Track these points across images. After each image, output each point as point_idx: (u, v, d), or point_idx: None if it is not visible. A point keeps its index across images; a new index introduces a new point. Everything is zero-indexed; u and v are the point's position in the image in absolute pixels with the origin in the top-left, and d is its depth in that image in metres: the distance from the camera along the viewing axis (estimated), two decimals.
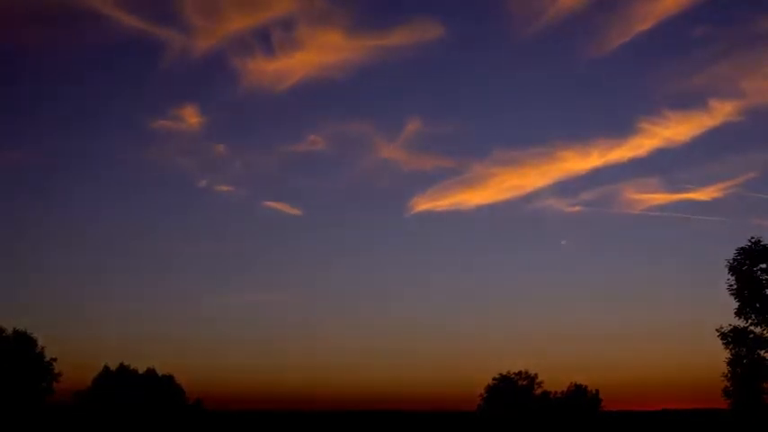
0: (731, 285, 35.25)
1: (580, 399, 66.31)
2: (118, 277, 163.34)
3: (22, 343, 54.08)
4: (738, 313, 34.91)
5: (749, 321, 34.71)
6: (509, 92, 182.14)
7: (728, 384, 35.16)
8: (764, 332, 34.46)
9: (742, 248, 35.33)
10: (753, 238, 35.25)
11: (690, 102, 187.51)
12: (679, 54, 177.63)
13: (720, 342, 35.34)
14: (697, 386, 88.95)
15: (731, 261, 35.44)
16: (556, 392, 66.69)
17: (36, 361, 54.33)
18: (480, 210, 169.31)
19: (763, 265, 34.77)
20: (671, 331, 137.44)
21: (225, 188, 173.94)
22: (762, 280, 34.68)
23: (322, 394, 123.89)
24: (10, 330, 54.19)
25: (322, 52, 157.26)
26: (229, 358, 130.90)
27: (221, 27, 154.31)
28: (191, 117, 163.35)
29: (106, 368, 64.47)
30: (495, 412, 64.49)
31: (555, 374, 76.77)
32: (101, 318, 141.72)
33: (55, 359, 55.54)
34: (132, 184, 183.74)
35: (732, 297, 35.36)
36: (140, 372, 65.93)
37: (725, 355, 35.36)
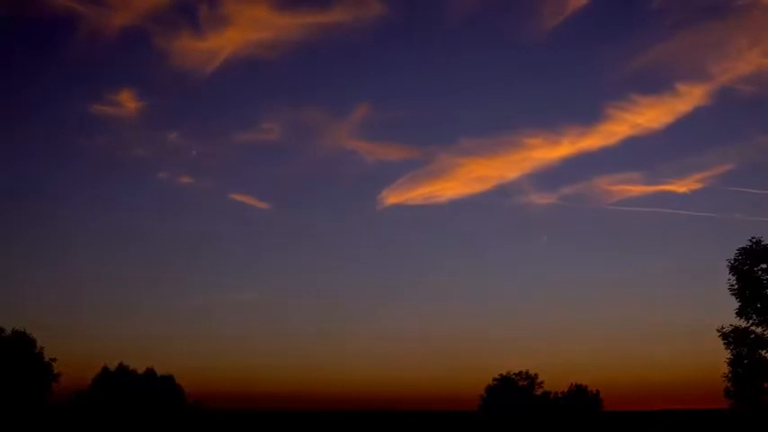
0: (732, 285, 35.21)
1: (580, 399, 66.22)
2: (116, 276, 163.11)
3: (21, 343, 53.96)
4: (739, 313, 34.87)
5: (750, 321, 34.68)
6: (460, 75, 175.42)
7: (729, 385, 35.11)
8: (765, 332, 34.40)
9: (743, 248, 35.28)
10: (753, 237, 35.25)
11: (657, 86, 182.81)
12: (632, 33, 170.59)
13: (721, 342, 35.34)
14: (698, 386, 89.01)
15: (732, 261, 35.40)
16: (556, 393, 66.67)
17: (35, 361, 54.19)
18: (455, 203, 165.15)
19: (764, 265, 34.70)
20: (671, 331, 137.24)
21: (187, 180, 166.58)
22: (763, 280, 34.60)
23: (321, 394, 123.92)
24: (9, 330, 54.16)
25: (253, 30, 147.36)
26: (217, 357, 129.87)
27: (138, 1, 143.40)
28: (128, 102, 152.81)
29: (106, 368, 64.38)
30: (495, 413, 64.40)
31: (555, 374, 76.77)
32: (101, 318, 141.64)
33: (55, 359, 55.41)
34: (91, 176, 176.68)
35: (733, 297, 35.34)
36: (140, 372, 65.86)
37: (726, 355, 35.36)
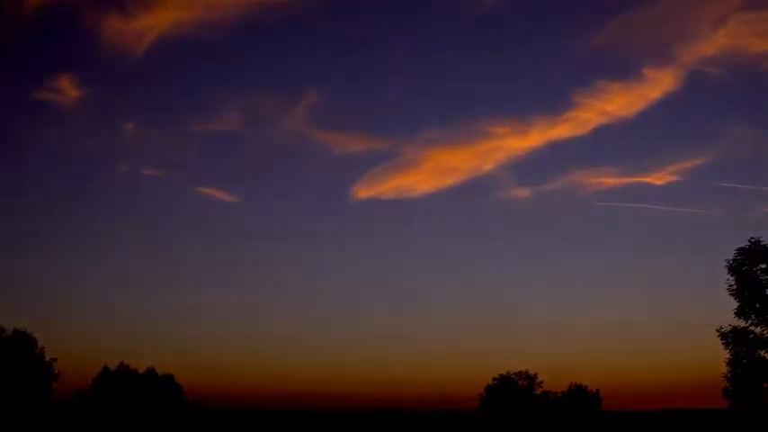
0: (731, 286, 35.26)
1: (580, 399, 66.26)
2: (119, 276, 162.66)
3: (22, 343, 54.03)
4: (738, 313, 34.92)
5: (749, 321, 34.73)
6: (416, 60, 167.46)
7: (728, 384, 35.16)
8: (764, 332, 34.46)
9: (741, 248, 35.35)
10: (752, 238, 35.33)
11: (623, 72, 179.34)
12: (588, 10, 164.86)
13: (720, 342, 35.39)
14: (697, 386, 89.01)
15: (731, 261, 35.46)
16: (556, 392, 66.72)
17: (36, 361, 54.28)
18: (431, 197, 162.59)
19: (763, 266, 34.77)
20: (671, 331, 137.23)
21: (150, 172, 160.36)
22: (762, 280, 34.68)
23: (321, 393, 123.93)
24: (10, 330, 54.23)
25: (186, 9, 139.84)
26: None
27: None
28: (70, 89, 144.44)
29: (106, 368, 64.46)
30: (494, 412, 64.44)
31: (555, 374, 76.77)
32: (101, 318, 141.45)
33: (55, 359, 55.57)
34: (52, 170, 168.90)
35: (732, 297, 35.38)
36: (140, 372, 65.94)
37: (725, 355, 35.42)
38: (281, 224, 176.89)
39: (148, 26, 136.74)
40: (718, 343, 35.33)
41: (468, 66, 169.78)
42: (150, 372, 66.41)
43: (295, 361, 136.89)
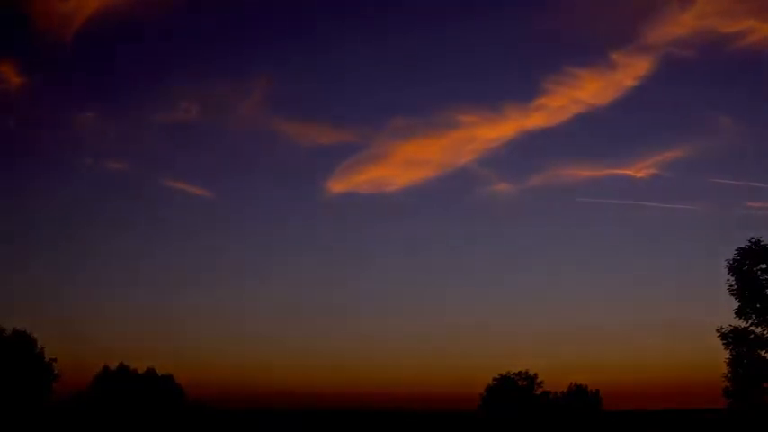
0: (731, 286, 35.29)
1: (580, 399, 66.29)
2: (118, 275, 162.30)
3: (22, 343, 54.04)
4: (739, 313, 34.94)
5: (749, 321, 34.75)
6: (373, 43, 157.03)
7: (729, 384, 35.18)
8: (765, 332, 34.48)
9: (742, 248, 35.39)
10: (753, 238, 35.37)
11: (591, 57, 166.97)
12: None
13: (720, 342, 35.42)
14: (697, 386, 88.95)
15: (731, 261, 35.49)
16: (556, 392, 66.76)
17: (36, 361, 54.29)
18: (410, 191, 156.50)
19: (763, 266, 34.80)
20: (671, 331, 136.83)
21: (116, 166, 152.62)
22: (762, 280, 34.70)
23: (320, 393, 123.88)
24: (10, 330, 54.23)
25: None
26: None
27: None
28: (12, 76, 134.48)
29: (106, 368, 64.51)
30: (494, 412, 64.47)
31: (555, 374, 76.56)
32: (101, 318, 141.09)
33: (55, 359, 55.55)
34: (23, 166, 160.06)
35: (732, 297, 35.41)
36: (140, 372, 66.00)
37: (725, 355, 35.44)
38: (257, 219, 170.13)
39: (82, 6, 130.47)
40: (719, 343, 35.41)
41: (431, 51, 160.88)
42: (150, 372, 66.50)
43: (294, 361, 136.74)
